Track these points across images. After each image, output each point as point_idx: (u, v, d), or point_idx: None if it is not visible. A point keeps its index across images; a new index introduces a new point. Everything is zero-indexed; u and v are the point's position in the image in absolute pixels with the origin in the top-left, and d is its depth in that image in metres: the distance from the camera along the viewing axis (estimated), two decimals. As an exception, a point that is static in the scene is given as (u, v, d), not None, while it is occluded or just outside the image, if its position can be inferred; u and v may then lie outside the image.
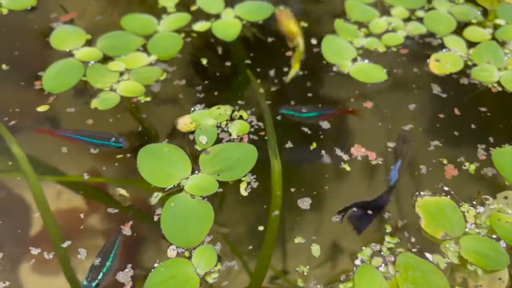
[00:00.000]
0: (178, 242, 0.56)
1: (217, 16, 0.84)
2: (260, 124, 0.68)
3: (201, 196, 0.59)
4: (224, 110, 0.69)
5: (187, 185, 0.60)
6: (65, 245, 0.55)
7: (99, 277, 0.53)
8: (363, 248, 0.56)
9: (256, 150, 0.63)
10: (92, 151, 0.64)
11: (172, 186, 0.60)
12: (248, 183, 0.61)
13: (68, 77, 0.73)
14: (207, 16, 0.85)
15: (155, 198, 0.59)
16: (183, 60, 0.77)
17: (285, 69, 0.75)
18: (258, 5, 0.86)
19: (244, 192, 0.60)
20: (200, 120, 0.68)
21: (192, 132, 0.66)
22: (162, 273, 0.53)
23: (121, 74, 0.74)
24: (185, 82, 0.73)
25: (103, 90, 0.72)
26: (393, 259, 0.54)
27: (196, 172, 0.62)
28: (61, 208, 0.59)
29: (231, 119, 0.68)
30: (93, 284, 0.52)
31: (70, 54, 0.76)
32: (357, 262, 0.55)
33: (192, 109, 0.70)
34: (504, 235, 0.57)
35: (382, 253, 0.55)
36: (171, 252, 0.55)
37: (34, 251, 0.55)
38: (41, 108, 0.69)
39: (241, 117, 0.68)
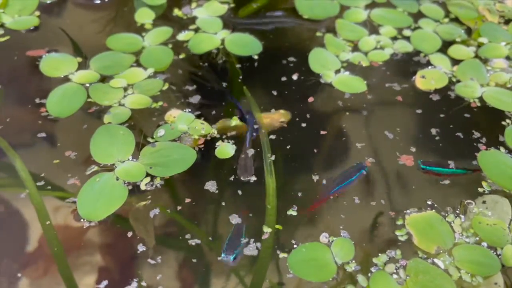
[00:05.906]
0: (82, 211, 0.60)
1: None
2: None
3: (124, 181, 0.63)
4: (202, 127, 0.70)
5: (118, 168, 0.64)
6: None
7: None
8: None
9: (195, 155, 0.65)
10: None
11: (108, 164, 0.64)
12: (150, 180, 0.63)
13: (73, 101, 0.73)
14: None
15: (90, 170, 0.64)
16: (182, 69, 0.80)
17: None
18: (249, 40, 0.86)
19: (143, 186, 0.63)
20: (179, 119, 0.70)
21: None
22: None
23: (125, 89, 0.75)
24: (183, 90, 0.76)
25: (111, 106, 0.73)
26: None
27: (134, 159, 0.65)
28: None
29: (205, 137, 0.69)
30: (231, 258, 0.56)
31: (66, 79, 0.77)
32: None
33: (186, 110, 0.73)
34: (486, 236, 0.59)
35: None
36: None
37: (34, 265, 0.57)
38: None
39: (213, 138, 0.70)
